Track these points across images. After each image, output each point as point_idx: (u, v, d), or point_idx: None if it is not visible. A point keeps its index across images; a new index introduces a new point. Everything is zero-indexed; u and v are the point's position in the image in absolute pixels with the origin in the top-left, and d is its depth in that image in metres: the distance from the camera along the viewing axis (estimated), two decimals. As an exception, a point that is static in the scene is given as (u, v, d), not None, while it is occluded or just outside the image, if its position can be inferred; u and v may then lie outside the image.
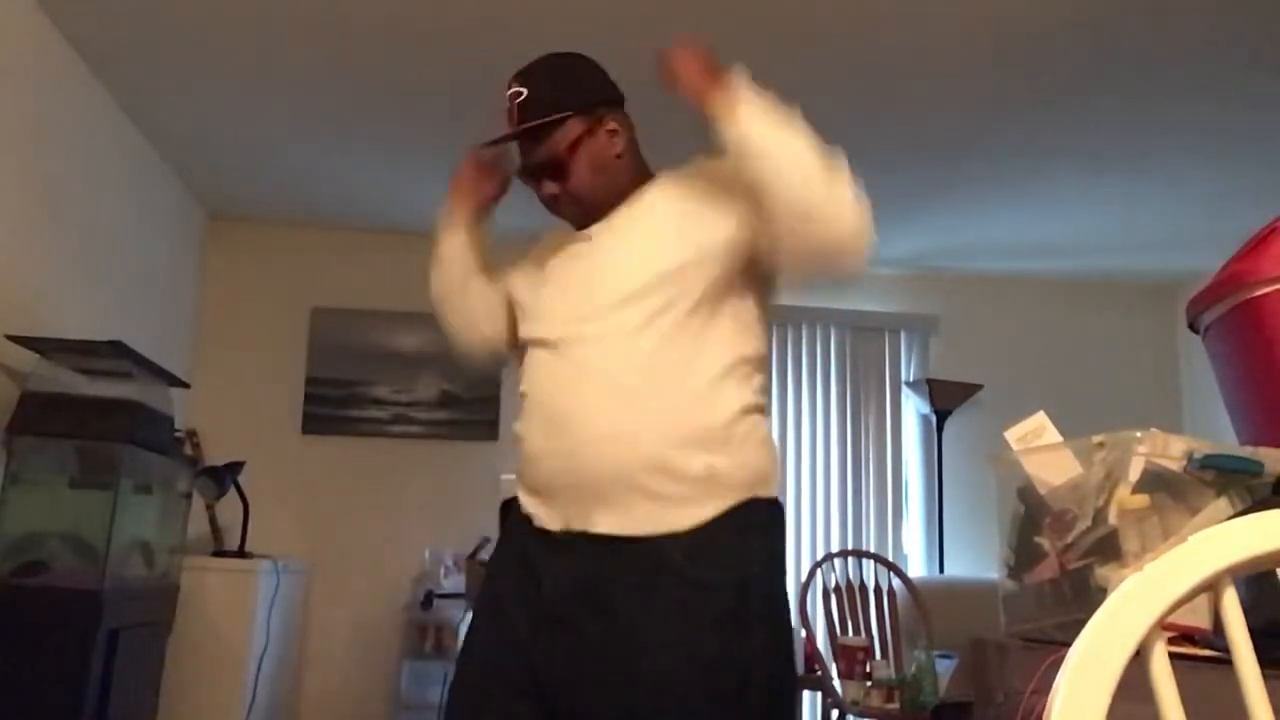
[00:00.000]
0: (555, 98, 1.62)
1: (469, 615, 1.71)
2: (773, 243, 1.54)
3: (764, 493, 1.54)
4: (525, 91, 1.61)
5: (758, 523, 1.53)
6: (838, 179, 1.49)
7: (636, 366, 1.50)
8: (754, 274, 1.61)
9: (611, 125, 1.66)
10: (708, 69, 1.54)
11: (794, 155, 1.49)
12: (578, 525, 1.51)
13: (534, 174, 1.64)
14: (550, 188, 1.63)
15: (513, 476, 1.67)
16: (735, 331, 1.57)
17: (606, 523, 1.48)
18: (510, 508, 1.68)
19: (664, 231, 1.59)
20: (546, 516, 1.55)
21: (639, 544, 1.47)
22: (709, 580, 1.46)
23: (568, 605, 1.49)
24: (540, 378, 1.60)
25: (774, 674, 1.50)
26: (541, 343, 1.61)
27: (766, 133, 1.50)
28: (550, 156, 1.61)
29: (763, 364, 1.61)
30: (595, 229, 1.66)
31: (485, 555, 3.24)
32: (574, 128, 1.62)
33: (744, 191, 1.54)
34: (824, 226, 1.49)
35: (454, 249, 1.79)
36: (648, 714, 1.42)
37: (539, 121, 1.60)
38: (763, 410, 1.60)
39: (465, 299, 1.80)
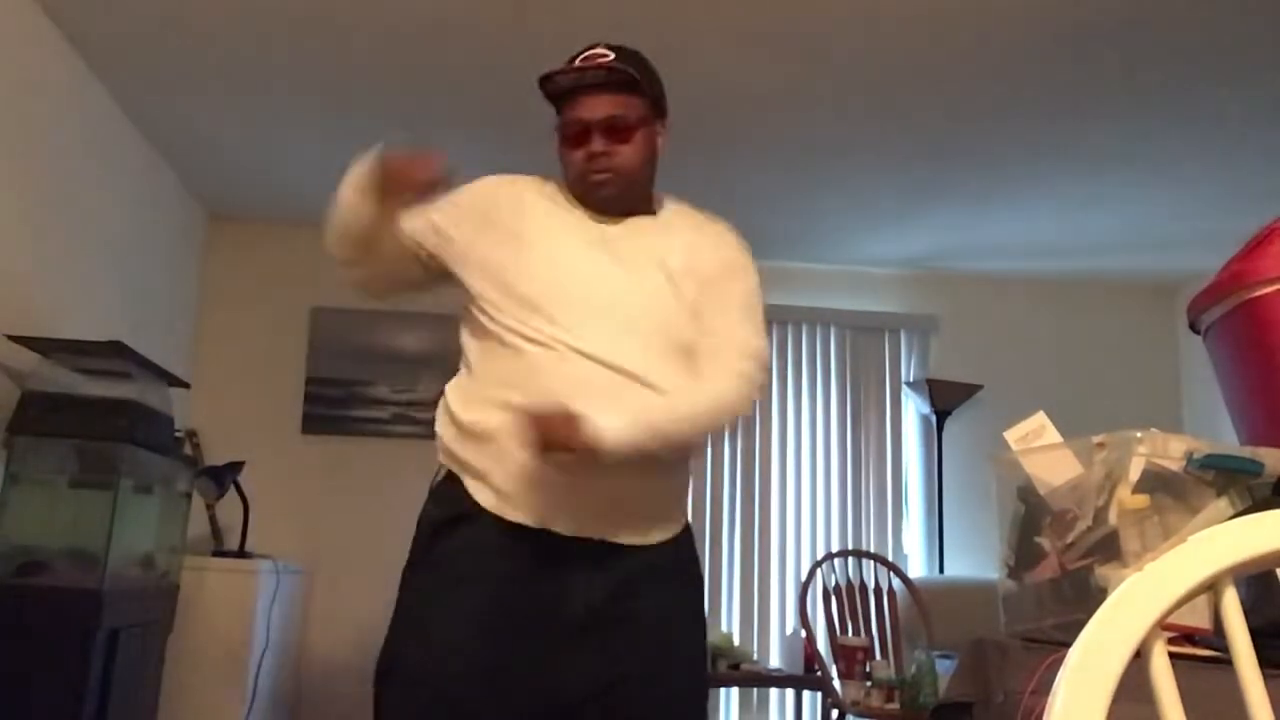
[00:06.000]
0: (643, 76, 1.66)
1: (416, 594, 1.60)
2: None
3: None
4: (613, 56, 1.64)
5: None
6: (726, 403, 1.61)
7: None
8: None
9: (663, 131, 1.73)
10: (564, 425, 1.45)
11: (692, 428, 1.62)
12: (593, 534, 1.55)
13: (587, 131, 1.62)
14: (602, 145, 1.62)
15: None
16: None
17: (622, 535, 1.57)
18: (451, 494, 1.60)
19: (685, 286, 1.64)
20: (542, 520, 1.55)
21: (648, 551, 1.60)
22: (696, 578, 1.71)
23: (601, 612, 1.55)
24: (559, 386, 1.51)
25: None
26: (570, 348, 1.54)
27: (653, 438, 1.54)
28: (621, 116, 1.63)
29: None
30: (617, 230, 1.66)
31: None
32: (646, 110, 1.67)
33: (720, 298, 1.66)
34: (730, 421, 1.66)
35: (361, 208, 1.63)
36: (682, 698, 1.62)
37: (630, 72, 1.62)
38: None
39: (375, 253, 1.69)
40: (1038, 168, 3.90)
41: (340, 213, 1.65)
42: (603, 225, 1.67)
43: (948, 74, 3.22)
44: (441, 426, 1.66)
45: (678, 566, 1.66)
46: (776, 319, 5.02)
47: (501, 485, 1.55)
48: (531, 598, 1.54)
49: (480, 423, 1.57)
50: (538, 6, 2.92)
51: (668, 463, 1.62)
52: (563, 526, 1.55)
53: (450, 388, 1.67)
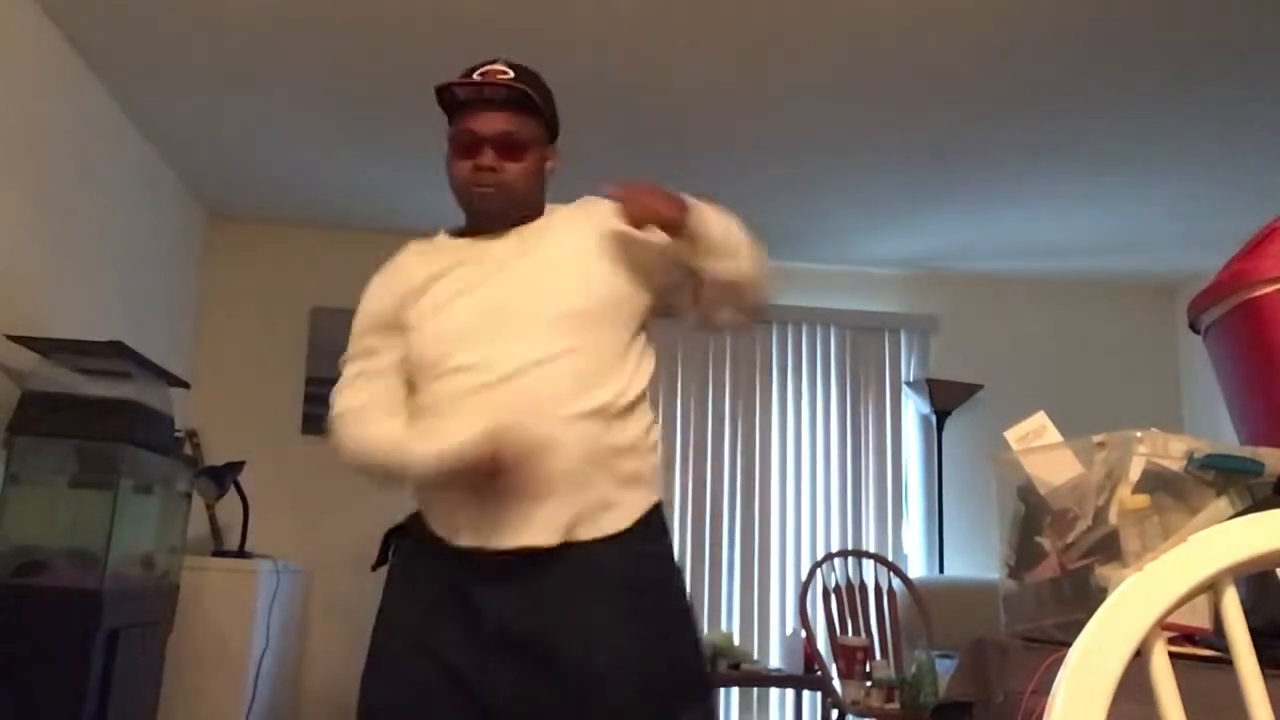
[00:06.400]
0: (541, 98, 1.68)
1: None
2: (700, 301, 1.71)
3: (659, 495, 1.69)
4: (513, 75, 1.66)
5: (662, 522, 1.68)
6: (758, 251, 1.71)
7: (569, 389, 1.56)
8: (644, 318, 1.71)
9: (554, 155, 1.75)
10: (666, 196, 1.60)
11: (738, 243, 1.68)
12: (511, 542, 1.51)
13: (479, 144, 1.64)
14: (492, 160, 1.64)
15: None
16: (636, 365, 1.67)
17: (537, 538, 1.52)
18: (396, 536, 1.66)
19: (578, 265, 1.65)
20: (474, 536, 1.54)
21: (576, 549, 1.54)
22: (648, 581, 1.61)
23: (514, 631, 1.51)
24: (464, 404, 1.55)
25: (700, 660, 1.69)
26: (461, 369, 1.57)
27: (720, 231, 1.65)
28: (514, 134, 1.65)
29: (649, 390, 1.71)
30: (499, 246, 1.67)
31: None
32: (538, 131, 1.70)
33: (641, 254, 1.67)
34: (753, 291, 1.72)
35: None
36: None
37: (528, 92, 1.64)
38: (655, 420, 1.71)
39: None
40: (1038, 168, 3.90)
41: (379, 469, 1.67)
42: (487, 244, 1.68)
43: (948, 74, 3.22)
44: None
45: (613, 571, 1.56)
46: (776, 319, 5.02)
47: (425, 498, 1.62)
48: (450, 613, 1.54)
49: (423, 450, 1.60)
50: (537, 7, 2.92)
51: (591, 460, 1.55)
52: (466, 539, 1.54)
53: None
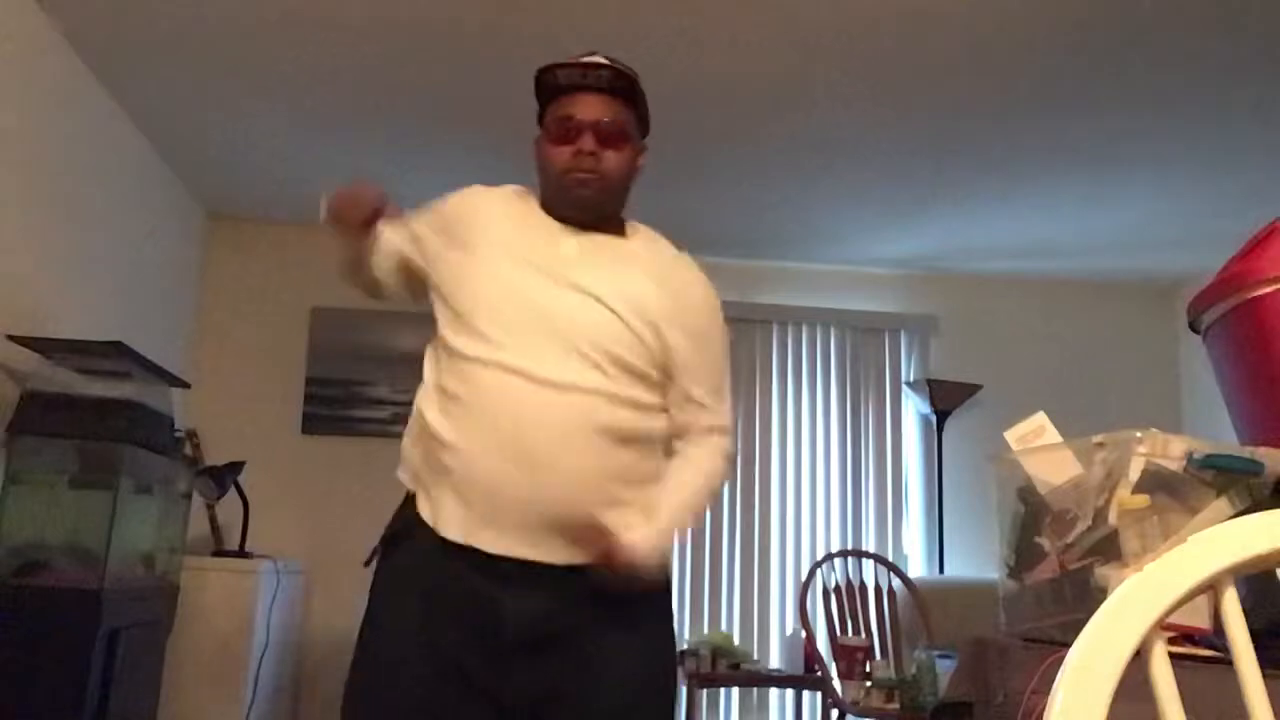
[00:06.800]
0: (639, 94, 1.67)
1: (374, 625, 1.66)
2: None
3: None
4: (613, 66, 1.64)
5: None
6: (718, 485, 1.72)
7: (608, 427, 1.54)
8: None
9: (643, 153, 1.72)
10: (615, 549, 1.53)
11: (700, 510, 1.70)
12: (536, 556, 1.51)
13: (579, 129, 1.61)
14: (593, 145, 1.61)
15: None
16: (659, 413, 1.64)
17: (557, 555, 1.52)
18: (404, 511, 1.63)
19: (645, 308, 1.61)
20: (496, 542, 1.52)
21: (586, 573, 1.54)
22: (655, 601, 1.64)
23: (535, 633, 1.51)
24: (505, 404, 1.53)
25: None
26: (504, 367, 1.54)
27: (680, 530, 1.64)
28: (616, 122, 1.63)
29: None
30: (576, 245, 1.64)
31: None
32: (636, 126, 1.68)
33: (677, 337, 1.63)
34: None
35: (355, 252, 1.76)
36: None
37: (632, 81, 1.63)
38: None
39: (368, 271, 1.81)
40: (1038, 168, 3.90)
41: (350, 264, 1.79)
42: (565, 237, 1.64)
43: (948, 74, 3.22)
44: (410, 440, 1.67)
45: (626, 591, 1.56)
46: (777, 319, 5.03)
47: (438, 497, 1.57)
48: (459, 614, 1.53)
49: (443, 433, 1.58)
50: (536, 7, 2.92)
51: (620, 483, 1.56)
52: (488, 544, 1.52)
53: (419, 400, 1.69)
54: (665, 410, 1.64)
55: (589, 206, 1.65)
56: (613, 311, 1.57)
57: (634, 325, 1.58)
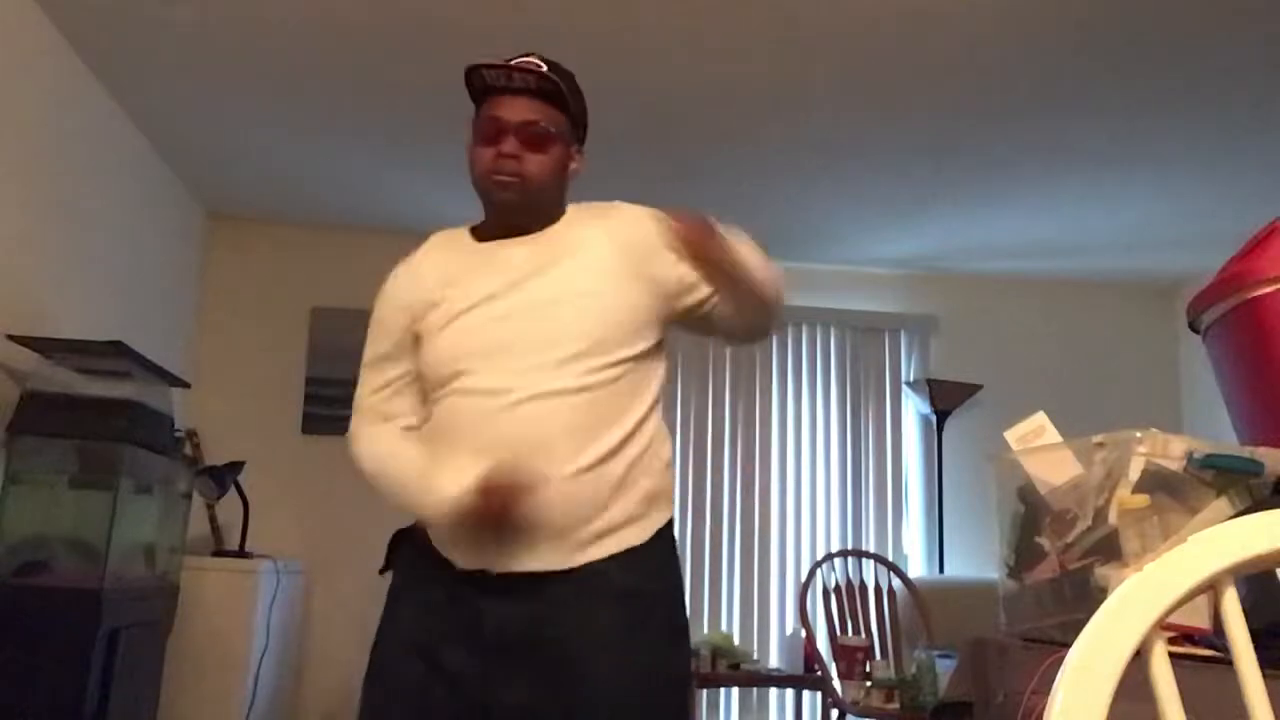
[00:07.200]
0: (571, 94, 1.65)
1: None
2: (720, 320, 1.70)
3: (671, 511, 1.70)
4: (545, 67, 1.62)
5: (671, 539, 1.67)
6: (778, 274, 1.72)
7: (581, 426, 1.54)
8: (660, 334, 1.69)
9: (578, 157, 1.71)
10: (708, 230, 1.61)
11: (762, 268, 1.68)
12: (517, 568, 1.51)
13: (504, 131, 1.59)
14: (514, 148, 1.59)
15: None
16: (650, 381, 1.65)
17: (531, 563, 1.51)
18: (402, 541, 1.66)
19: (597, 288, 1.60)
20: (466, 559, 1.54)
21: (583, 567, 1.53)
22: (650, 597, 1.59)
23: (517, 638, 1.51)
24: (465, 425, 1.54)
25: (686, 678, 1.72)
26: (472, 391, 1.55)
27: (745, 259, 1.65)
28: (540, 124, 1.60)
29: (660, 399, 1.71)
30: (518, 253, 1.63)
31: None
32: (565, 128, 1.66)
33: (662, 269, 1.63)
34: (771, 315, 1.74)
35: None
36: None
37: (558, 83, 1.61)
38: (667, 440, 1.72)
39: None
40: (1038, 168, 3.90)
41: (398, 498, 1.67)
42: (508, 250, 1.64)
43: (948, 74, 3.22)
44: None
45: (620, 583, 1.54)
46: (776, 319, 5.02)
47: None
48: (450, 619, 1.54)
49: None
50: (537, 8, 2.92)
51: (590, 484, 1.54)
52: (460, 559, 1.54)
53: None
54: (661, 344, 1.67)
55: (512, 209, 1.64)
56: (583, 294, 1.59)
57: (608, 298, 1.59)
